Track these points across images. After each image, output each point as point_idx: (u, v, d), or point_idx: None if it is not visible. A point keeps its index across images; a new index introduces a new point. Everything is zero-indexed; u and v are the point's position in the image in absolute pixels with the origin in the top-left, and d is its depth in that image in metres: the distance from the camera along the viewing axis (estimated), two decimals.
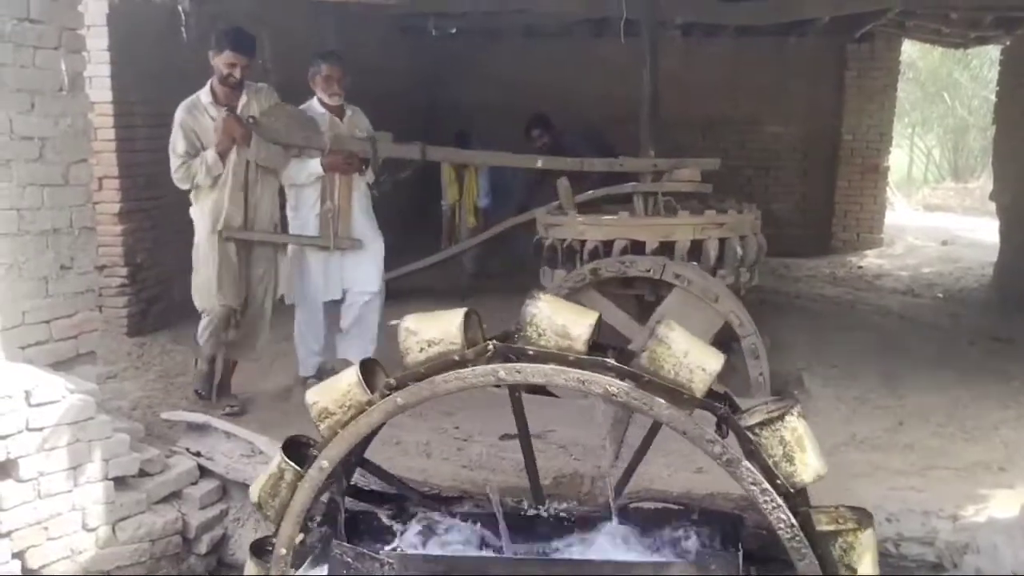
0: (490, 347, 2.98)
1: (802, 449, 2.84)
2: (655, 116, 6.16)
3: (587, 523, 3.55)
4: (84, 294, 4.35)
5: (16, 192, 3.96)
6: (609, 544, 3.42)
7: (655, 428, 3.42)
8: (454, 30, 10.37)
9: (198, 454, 4.43)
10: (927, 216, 14.64)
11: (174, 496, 4.23)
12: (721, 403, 2.98)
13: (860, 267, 9.61)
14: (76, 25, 4.23)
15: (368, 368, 3.17)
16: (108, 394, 4.97)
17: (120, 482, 3.95)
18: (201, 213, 5.17)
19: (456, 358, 2.97)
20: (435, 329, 3.02)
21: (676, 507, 3.77)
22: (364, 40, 9.12)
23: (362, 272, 5.46)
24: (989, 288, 8.44)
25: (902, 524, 3.82)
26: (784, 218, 10.34)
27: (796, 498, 2.85)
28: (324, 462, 3.09)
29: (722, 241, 5.73)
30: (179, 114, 5.08)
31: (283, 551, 3.15)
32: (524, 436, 3.52)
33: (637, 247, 5.62)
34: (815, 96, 10.31)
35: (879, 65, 10.06)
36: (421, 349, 3.01)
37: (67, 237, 4.22)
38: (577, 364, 2.91)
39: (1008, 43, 8.70)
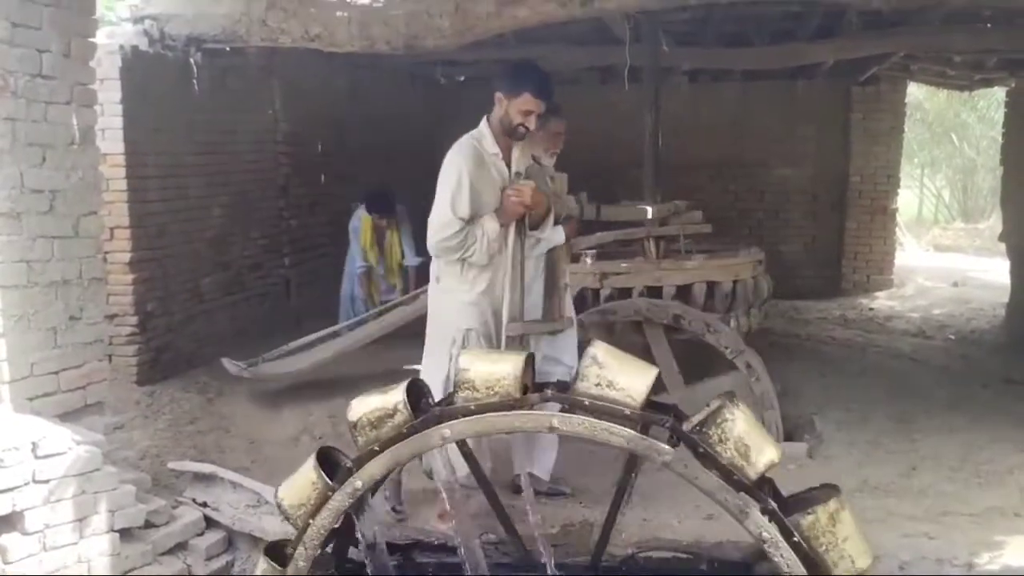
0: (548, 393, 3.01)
1: (749, 436, 2.83)
2: (658, 161, 6.20)
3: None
4: (93, 344, 4.37)
5: (26, 244, 4.00)
6: None
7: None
8: (463, 78, 10.49)
9: (204, 504, 4.41)
10: (938, 257, 14.58)
11: (180, 547, 4.21)
12: (667, 415, 2.99)
13: (871, 309, 9.56)
14: (88, 80, 4.30)
15: (415, 391, 3.18)
16: (116, 444, 4.98)
17: (126, 533, 3.93)
18: (456, 302, 4.07)
19: (405, 430, 3.01)
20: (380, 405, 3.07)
21: (685, 556, 3.73)
22: (373, 89, 9.25)
23: (569, 351, 4.43)
24: (1001, 329, 8.38)
25: (915, 572, 3.76)
26: (794, 260, 10.33)
27: (760, 489, 2.84)
28: (359, 482, 3.08)
29: (711, 286, 5.77)
30: (461, 162, 3.98)
31: (300, 563, 3.14)
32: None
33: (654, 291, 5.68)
34: (823, 138, 10.35)
35: (885, 107, 10.10)
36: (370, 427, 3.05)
37: (76, 288, 4.26)
38: (514, 407, 2.94)
39: (1013, 85, 8.74)
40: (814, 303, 9.65)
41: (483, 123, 4.15)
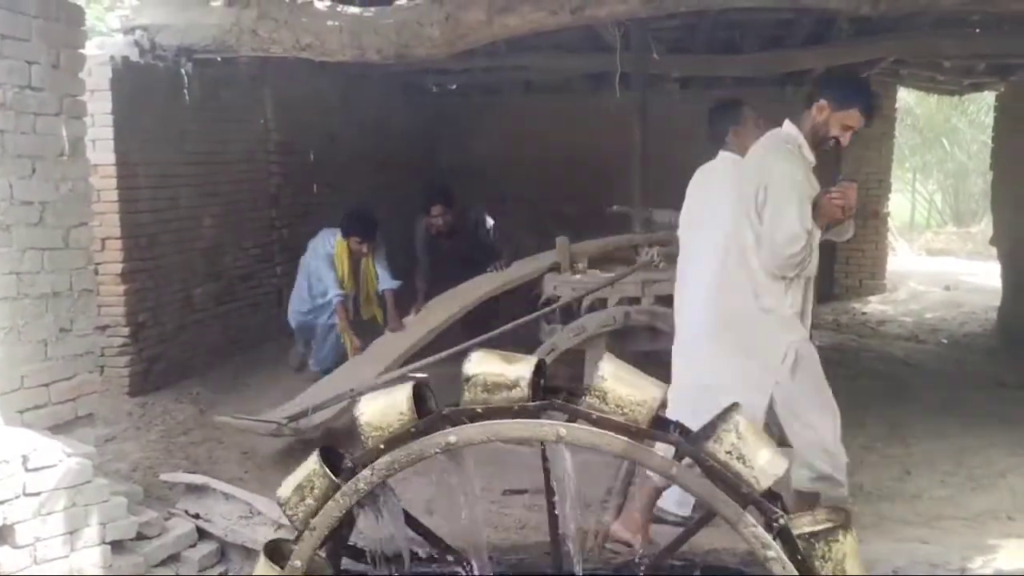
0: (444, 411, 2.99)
1: (753, 451, 2.83)
2: (646, 167, 6.21)
3: None
4: (83, 356, 4.36)
5: (16, 256, 3.99)
6: None
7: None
8: (454, 87, 10.51)
9: (197, 516, 4.39)
10: (930, 261, 14.62)
11: (172, 559, 4.18)
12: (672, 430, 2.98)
13: (864, 313, 9.58)
14: (77, 92, 4.30)
15: (421, 392, 3.17)
16: (108, 456, 4.96)
17: (118, 546, 3.91)
18: (780, 318, 3.75)
19: (410, 431, 2.99)
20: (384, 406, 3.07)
21: (678, 563, 3.72)
22: (365, 99, 9.25)
23: None
24: (993, 333, 8.41)
25: None
26: None
27: (769, 504, 2.84)
28: (362, 483, 3.06)
29: None
30: (796, 171, 3.68)
31: (298, 563, 3.11)
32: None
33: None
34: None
35: (875, 113, 10.13)
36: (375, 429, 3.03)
37: (67, 300, 4.25)
38: (522, 413, 2.91)
39: (1002, 89, 8.79)
40: None
41: (791, 128, 3.85)
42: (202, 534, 4.37)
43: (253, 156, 7.48)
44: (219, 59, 6.46)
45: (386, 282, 6.77)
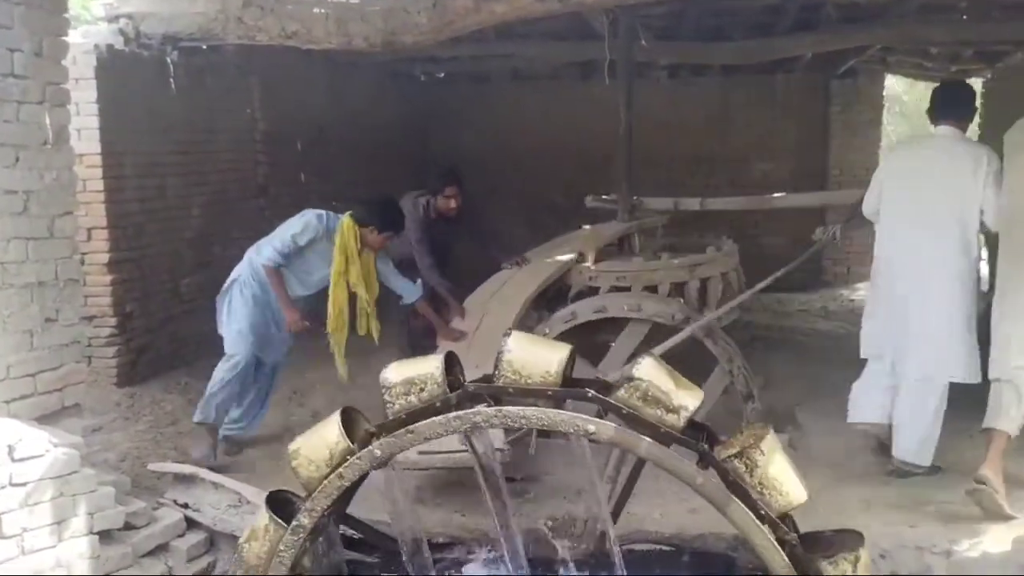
0: (470, 388, 2.97)
1: (780, 475, 2.82)
2: (632, 155, 6.21)
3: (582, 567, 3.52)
4: (70, 346, 4.32)
5: (0, 246, 3.96)
6: None
7: (638, 467, 3.40)
8: (443, 75, 10.48)
9: (185, 506, 4.38)
10: None
11: (161, 549, 4.17)
12: (700, 436, 2.96)
13: (852, 300, 9.61)
14: (61, 80, 4.25)
15: (350, 417, 3.15)
16: (96, 446, 4.93)
17: (105, 536, 3.89)
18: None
19: (438, 404, 2.95)
20: (415, 373, 3.02)
21: (668, 548, 3.74)
22: (353, 87, 9.22)
23: None
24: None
25: (896, 560, 3.78)
26: (776, 253, 10.34)
27: (782, 525, 2.82)
28: (305, 518, 3.06)
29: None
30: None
31: (305, 520, 3.10)
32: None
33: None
34: (802, 132, 10.40)
35: (863, 100, 10.16)
36: (401, 395, 3.00)
37: (52, 290, 4.21)
38: (555, 398, 2.90)
39: (989, 76, 8.81)
40: (796, 296, 9.69)
41: None
42: (191, 524, 4.36)
43: (240, 145, 7.45)
44: (205, 47, 6.42)
45: (411, 291, 5.55)
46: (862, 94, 10.15)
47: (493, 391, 2.96)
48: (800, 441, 5.23)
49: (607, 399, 2.89)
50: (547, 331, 5.24)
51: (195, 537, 4.31)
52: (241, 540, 3.21)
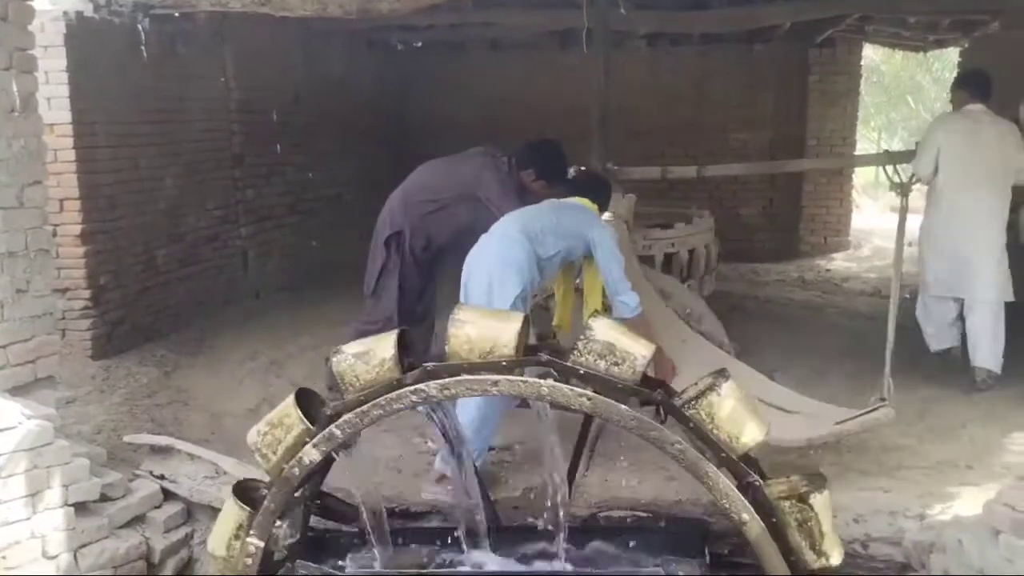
0: (328, 411, 3.06)
1: (737, 416, 2.87)
2: (607, 125, 6.17)
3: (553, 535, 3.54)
4: (42, 318, 4.28)
5: None
6: (575, 554, 3.40)
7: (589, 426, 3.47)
8: (420, 44, 10.37)
9: (161, 477, 4.37)
10: (893, 218, 14.74)
11: (137, 520, 4.17)
12: (656, 390, 3.00)
13: (828, 270, 9.66)
14: (27, 45, 4.17)
15: (307, 398, 3.20)
16: (71, 418, 4.91)
17: (81, 508, 3.88)
18: None
19: (305, 439, 3.02)
20: (369, 352, 3.07)
21: (644, 515, 3.77)
22: (329, 56, 9.10)
23: None
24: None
25: (870, 525, 3.84)
26: (752, 223, 10.41)
27: (742, 466, 2.88)
28: (271, 505, 3.10)
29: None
30: None
31: (272, 505, 3.15)
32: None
33: None
34: (780, 101, 10.39)
35: (841, 70, 10.15)
36: (272, 450, 3.05)
37: (23, 260, 4.16)
38: (510, 368, 2.95)
39: (966, 46, 8.81)
40: (773, 265, 9.74)
41: None
42: (167, 495, 4.36)
43: (214, 115, 7.35)
44: (176, 15, 6.30)
45: (630, 298, 4.25)
46: (840, 64, 10.15)
47: (449, 368, 3.00)
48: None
49: (562, 362, 2.93)
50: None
51: (172, 508, 4.31)
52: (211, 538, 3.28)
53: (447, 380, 2.97)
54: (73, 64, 5.69)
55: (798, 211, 10.51)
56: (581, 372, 2.91)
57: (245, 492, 3.25)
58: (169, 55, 6.63)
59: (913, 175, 5.82)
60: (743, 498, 2.80)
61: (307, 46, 8.62)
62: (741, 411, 2.89)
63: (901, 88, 18.64)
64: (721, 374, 2.97)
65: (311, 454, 3.08)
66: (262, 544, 3.10)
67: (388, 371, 3.02)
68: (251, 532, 3.10)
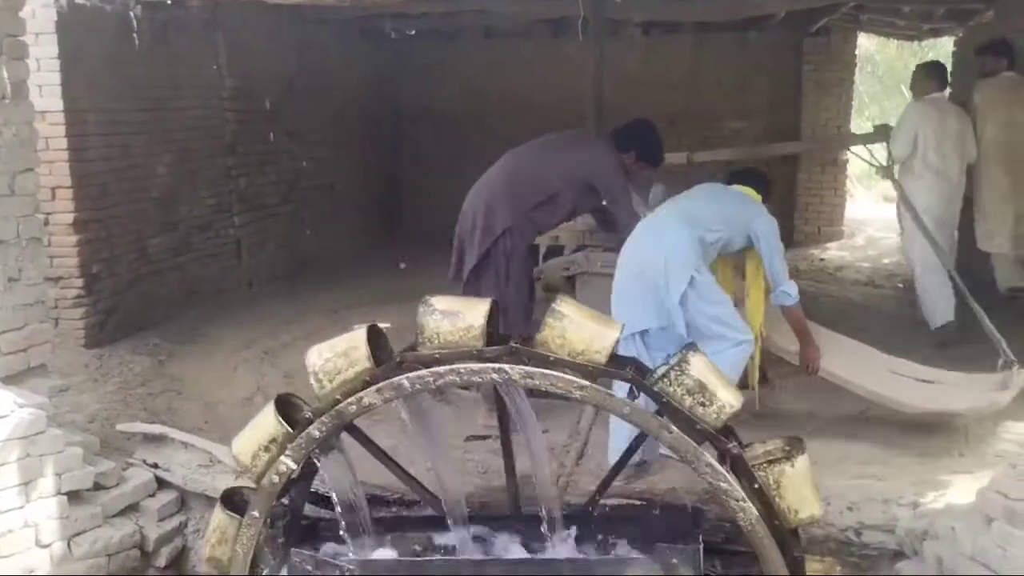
0: (399, 359, 3.04)
1: (710, 386, 2.89)
2: (602, 114, 6.15)
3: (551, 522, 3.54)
4: (34, 306, 4.26)
5: None
6: (570, 542, 3.40)
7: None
8: (413, 32, 10.33)
9: (155, 465, 4.36)
10: (887, 208, 14.75)
11: (131, 509, 4.16)
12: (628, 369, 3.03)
13: (822, 259, 9.66)
14: (18, 32, 4.14)
15: (287, 401, 3.21)
16: (65, 407, 4.89)
17: (74, 496, 3.87)
18: None
19: (367, 378, 3.00)
20: (459, 314, 3.03)
21: (638, 502, 3.77)
22: (322, 44, 9.06)
23: None
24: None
25: (863, 512, 3.85)
26: None
27: (721, 438, 2.91)
28: (316, 431, 3.09)
29: None
30: None
31: (256, 512, 3.15)
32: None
33: None
34: (775, 91, 10.37)
35: (835, 59, 10.13)
36: (330, 378, 3.04)
37: (14, 248, 4.14)
38: (480, 356, 2.97)
39: (960, 35, 8.81)
40: None
41: None
42: (161, 483, 4.36)
43: (207, 103, 7.31)
44: (169, 2, 6.27)
45: (789, 285, 4.38)
46: (834, 53, 10.12)
47: (423, 359, 3.00)
48: (771, 396, 5.27)
49: (647, 385, 2.93)
50: (542, 275, 5.26)
51: (166, 497, 4.31)
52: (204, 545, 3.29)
53: (533, 370, 2.93)
54: (64, 52, 5.65)
55: (792, 200, 10.50)
56: (664, 400, 2.92)
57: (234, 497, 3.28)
58: (161, 43, 6.59)
59: (890, 157, 6.19)
60: None
61: (300, 34, 8.57)
62: (713, 382, 2.92)
63: (895, 77, 18.61)
64: (798, 446, 3.02)
65: (372, 397, 3.03)
66: (296, 467, 3.12)
67: (473, 339, 2.98)
68: (286, 452, 3.10)
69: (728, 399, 2.91)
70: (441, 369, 2.97)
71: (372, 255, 9.33)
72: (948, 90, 6.62)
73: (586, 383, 2.92)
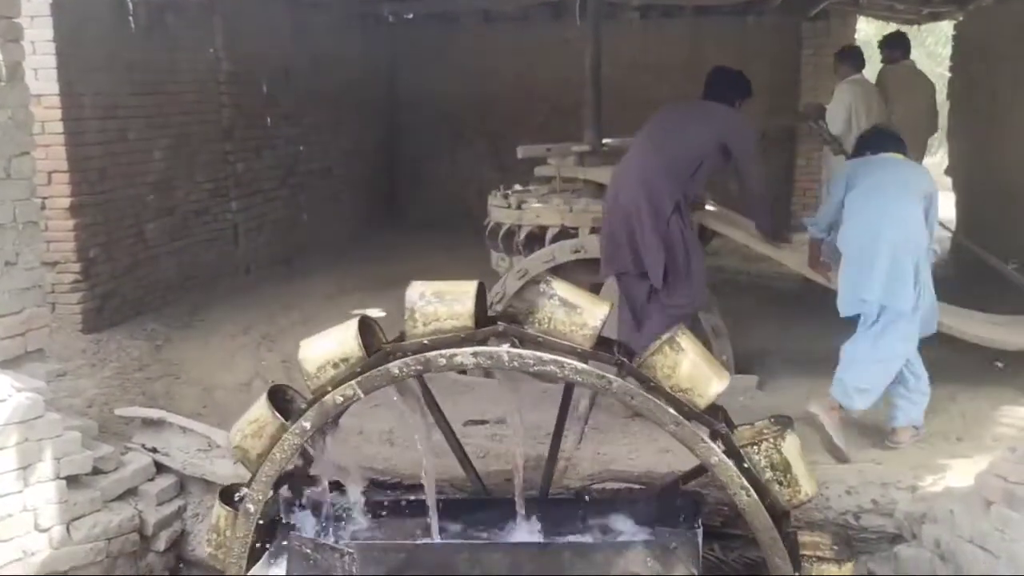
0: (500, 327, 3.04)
1: (696, 370, 2.90)
2: (599, 97, 6.12)
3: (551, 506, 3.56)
4: (31, 290, 4.23)
5: None
6: (568, 525, 3.41)
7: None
8: (411, 16, 10.28)
9: (154, 450, 4.36)
10: None
11: (130, 493, 4.16)
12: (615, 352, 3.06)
13: None
14: (12, 13, 4.10)
15: (281, 394, 3.21)
16: (63, 392, 4.89)
17: (73, 481, 3.87)
18: None
19: (359, 368, 3.01)
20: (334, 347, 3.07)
21: (638, 487, 3.78)
22: (319, 28, 9.01)
23: None
24: (945, 263, 8.51)
25: (861, 496, 3.85)
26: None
27: (709, 417, 2.93)
28: (250, 505, 3.14)
29: None
30: None
31: (250, 505, 3.18)
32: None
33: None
34: (774, 75, 10.30)
35: (834, 43, 10.03)
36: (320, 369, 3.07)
37: (11, 232, 4.11)
38: (471, 340, 2.98)
39: (960, 19, 8.77)
40: None
41: None
42: (160, 468, 4.35)
43: (204, 87, 7.27)
44: None
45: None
46: (833, 37, 10.05)
47: (412, 347, 3.01)
48: (769, 382, 5.29)
49: (520, 329, 2.96)
50: (526, 271, 5.23)
51: (165, 481, 4.31)
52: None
53: (524, 352, 2.96)
54: (60, 34, 5.62)
55: (791, 185, 10.48)
56: (540, 339, 3.00)
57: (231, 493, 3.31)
58: (158, 26, 6.55)
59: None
60: None
61: (297, 18, 8.53)
62: (698, 364, 2.94)
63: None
64: (788, 424, 3.07)
65: (284, 448, 3.13)
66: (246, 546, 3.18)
67: (355, 359, 3.04)
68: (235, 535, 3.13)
69: (592, 314, 3.00)
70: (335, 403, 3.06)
71: (369, 239, 9.32)
72: (864, 71, 7.33)
73: (582, 365, 2.93)
